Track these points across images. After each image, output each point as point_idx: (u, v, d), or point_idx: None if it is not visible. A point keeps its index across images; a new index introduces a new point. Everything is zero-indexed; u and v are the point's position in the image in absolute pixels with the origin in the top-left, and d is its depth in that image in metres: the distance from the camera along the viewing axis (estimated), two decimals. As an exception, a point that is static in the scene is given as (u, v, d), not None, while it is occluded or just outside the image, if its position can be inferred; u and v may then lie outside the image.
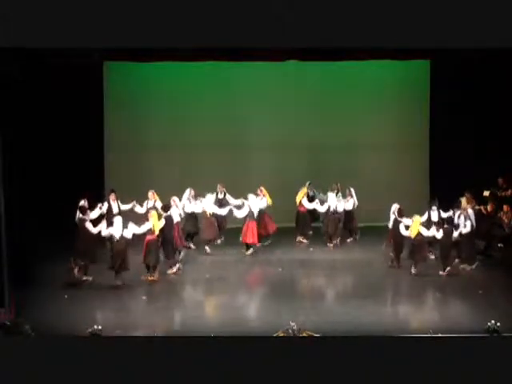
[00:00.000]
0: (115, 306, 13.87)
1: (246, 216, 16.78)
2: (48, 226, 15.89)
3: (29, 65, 14.39)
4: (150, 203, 16.59)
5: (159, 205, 16.26)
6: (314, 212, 18.00)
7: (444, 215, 16.04)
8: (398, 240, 15.79)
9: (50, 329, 12.25)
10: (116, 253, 14.64)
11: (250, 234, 16.70)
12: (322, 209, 17.55)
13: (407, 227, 15.47)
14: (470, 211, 15.88)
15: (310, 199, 17.91)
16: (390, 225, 15.90)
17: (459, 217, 15.80)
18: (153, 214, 15.08)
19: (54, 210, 16.42)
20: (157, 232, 14.99)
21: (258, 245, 17.03)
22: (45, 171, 16.64)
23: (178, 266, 15.65)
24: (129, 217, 15.74)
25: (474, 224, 15.74)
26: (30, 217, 15.00)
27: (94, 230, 15.07)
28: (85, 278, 15.01)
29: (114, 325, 12.60)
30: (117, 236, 14.63)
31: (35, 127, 16.18)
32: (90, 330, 11.79)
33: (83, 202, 15.47)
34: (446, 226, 15.56)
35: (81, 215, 15.27)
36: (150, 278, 14.98)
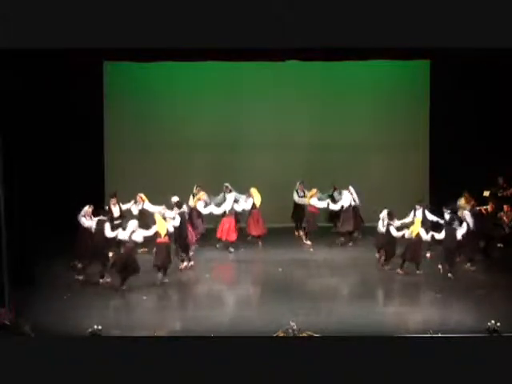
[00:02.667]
0: (115, 305, 13.89)
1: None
2: (48, 226, 15.87)
3: (29, 65, 14.40)
4: (140, 205, 16.63)
5: (148, 206, 16.41)
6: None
7: (431, 217, 15.99)
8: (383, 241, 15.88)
9: (50, 329, 12.25)
10: (125, 256, 14.53)
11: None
12: (335, 207, 17.49)
13: (399, 229, 15.51)
14: (466, 212, 15.85)
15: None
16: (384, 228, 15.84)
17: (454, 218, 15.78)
18: (157, 218, 15.01)
19: (55, 210, 16.43)
20: (163, 235, 14.91)
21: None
22: (45, 171, 16.61)
23: (187, 262, 15.70)
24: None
25: (471, 225, 15.68)
26: (29, 217, 14.97)
27: (111, 234, 14.92)
28: (77, 277, 15.03)
29: (114, 325, 12.61)
30: (127, 238, 14.60)
31: (35, 127, 16.14)
32: (90, 330, 11.79)
33: (88, 208, 15.36)
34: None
35: (101, 217, 15.19)
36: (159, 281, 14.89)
